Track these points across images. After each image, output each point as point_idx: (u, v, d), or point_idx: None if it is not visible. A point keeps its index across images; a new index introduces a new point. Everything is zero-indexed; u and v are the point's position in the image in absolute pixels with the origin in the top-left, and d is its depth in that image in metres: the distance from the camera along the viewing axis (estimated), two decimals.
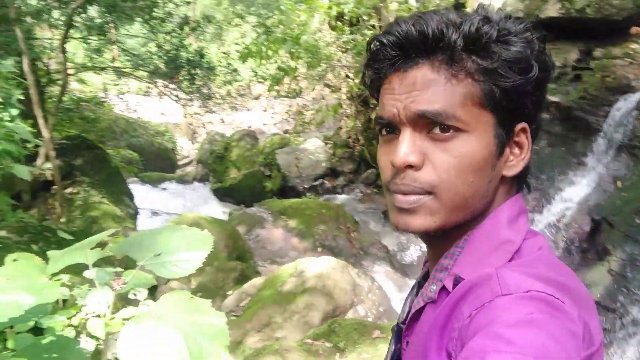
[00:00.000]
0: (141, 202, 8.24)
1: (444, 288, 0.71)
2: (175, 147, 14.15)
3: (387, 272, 6.11)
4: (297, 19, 9.00)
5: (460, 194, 0.69)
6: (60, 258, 0.99)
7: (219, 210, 8.83)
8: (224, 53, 10.51)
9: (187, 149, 14.78)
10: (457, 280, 0.68)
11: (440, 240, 0.74)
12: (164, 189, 11.03)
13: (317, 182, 9.44)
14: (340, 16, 8.81)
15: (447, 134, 0.68)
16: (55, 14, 7.46)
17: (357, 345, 3.51)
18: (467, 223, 0.72)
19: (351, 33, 8.63)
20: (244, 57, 8.58)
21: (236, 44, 9.70)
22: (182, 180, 11.77)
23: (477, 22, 0.67)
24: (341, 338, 3.60)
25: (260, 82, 13.20)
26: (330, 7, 8.51)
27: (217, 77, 9.80)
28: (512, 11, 6.60)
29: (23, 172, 2.95)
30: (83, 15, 7.63)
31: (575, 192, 5.04)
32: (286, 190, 9.39)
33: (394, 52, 0.70)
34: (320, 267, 4.53)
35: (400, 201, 0.71)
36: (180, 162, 13.79)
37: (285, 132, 13.95)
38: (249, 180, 9.81)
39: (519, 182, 0.77)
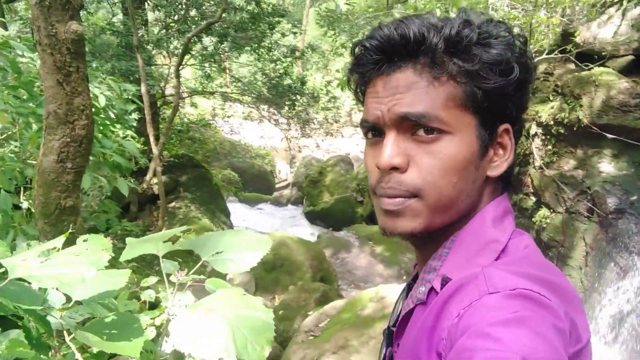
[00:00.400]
0: (236, 220, 8.64)
1: (432, 289, 0.71)
2: (274, 170, 14.65)
3: None
4: None
5: (445, 195, 0.70)
6: (135, 245, 1.12)
7: (308, 232, 9.00)
8: (327, 81, 10.82)
9: (285, 172, 15.23)
10: (445, 281, 0.69)
11: (428, 242, 0.75)
12: (260, 209, 11.47)
13: None
14: None
15: (431, 135, 0.69)
16: (174, 42, 8.16)
17: None
18: (453, 224, 0.73)
19: None
20: (342, 85, 8.79)
21: (337, 71, 9.92)
22: (277, 202, 12.15)
23: (457, 25, 0.68)
24: None
25: (360, 110, 13.34)
26: None
27: (317, 104, 10.10)
28: (627, 41, 6.12)
29: (123, 186, 3.17)
30: (198, 45, 8.28)
31: None
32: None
33: (377, 56, 0.72)
34: None
35: (387, 204, 0.72)
36: (277, 185, 14.22)
37: None
38: (340, 205, 9.92)
39: (504, 183, 0.77)
